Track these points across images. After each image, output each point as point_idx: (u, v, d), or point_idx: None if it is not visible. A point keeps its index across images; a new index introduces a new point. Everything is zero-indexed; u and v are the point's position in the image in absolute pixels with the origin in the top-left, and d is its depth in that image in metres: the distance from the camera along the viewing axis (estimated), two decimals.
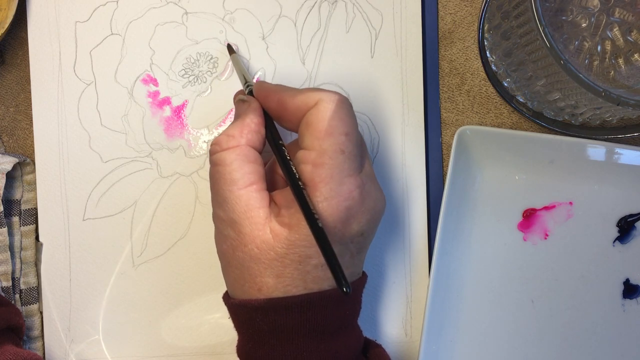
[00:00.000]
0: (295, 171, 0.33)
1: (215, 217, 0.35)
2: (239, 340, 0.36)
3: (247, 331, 0.35)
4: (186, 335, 0.46)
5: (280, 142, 0.35)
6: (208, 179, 0.46)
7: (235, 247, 0.34)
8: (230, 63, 0.46)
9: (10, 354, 0.39)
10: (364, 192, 0.34)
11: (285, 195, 0.34)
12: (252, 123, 0.35)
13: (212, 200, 0.36)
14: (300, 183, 0.33)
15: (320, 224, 0.31)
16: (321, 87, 0.46)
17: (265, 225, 0.33)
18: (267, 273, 0.33)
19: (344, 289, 0.28)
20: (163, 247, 0.46)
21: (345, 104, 0.35)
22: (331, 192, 0.32)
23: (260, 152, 0.36)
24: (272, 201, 0.35)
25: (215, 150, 0.35)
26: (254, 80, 0.46)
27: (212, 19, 0.46)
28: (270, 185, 0.36)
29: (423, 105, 0.46)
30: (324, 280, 0.34)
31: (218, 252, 0.36)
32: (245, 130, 0.35)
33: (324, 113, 0.34)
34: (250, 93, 0.38)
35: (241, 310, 0.35)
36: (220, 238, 0.35)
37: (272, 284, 0.33)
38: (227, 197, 0.34)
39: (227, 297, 0.37)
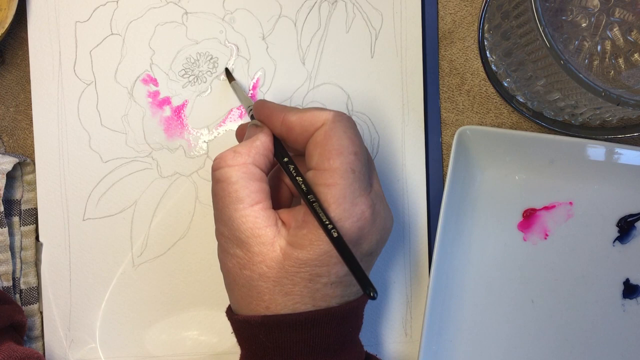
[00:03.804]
0: (309, 189, 0.33)
1: (219, 235, 0.35)
2: (242, 356, 0.36)
3: (250, 347, 0.35)
4: (186, 335, 0.46)
5: (291, 161, 0.35)
6: (208, 179, 0.46)
7: (242, 266, 0.34)
8: (234, 86, 0.46)
9: (8, 351, 0.39)
10: (374, 212, 0.34)
11: (294, 214, 0.34)
12: (262, 145, 0.35)
13: (216, 218, 0.35)
14: (313, 197, 0.33)
15: (337, 234, 0.31)
16: (321, 87, 0.46)
17: (274, 244, 0.33)
18: (276, 291, 0.33)
19: (371, 294, 0.29)
20: (163, 247, 0.46)
21: (352, 123, 0.35)
22: (344, 213, 0.32)
23: (266, 174, 0.35)
24: (278, 219, 0.34)
25: (219, 165, 0.34)
26: (254, 81, 0.46)
27: (212, 19, 0.46)
28: (274, 203, 0.36)
29: (423, 105, 0.46)
30: (332, 298, 0.34)
31: (222, 269, 0.36)
32: (253, 150, 0.35)
33: (333, 132, 0.33)
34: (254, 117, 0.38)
35: (245, 326, 0.34)
36: (226, 256, 0.35)
37: (280, 301, 0.33)
38: (232, 216, 0.33)
39: (230, 313, 0.36)
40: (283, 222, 0.34)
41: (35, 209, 0.46)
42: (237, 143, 0.41)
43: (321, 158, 0.33)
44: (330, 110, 0.35)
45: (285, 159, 0.35)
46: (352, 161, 0.33)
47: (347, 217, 0.32)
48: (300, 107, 0.46)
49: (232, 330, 0.36)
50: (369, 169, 0.36)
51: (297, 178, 0.34)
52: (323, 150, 0.33)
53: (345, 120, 0.34)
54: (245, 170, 0.34)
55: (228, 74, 0.45)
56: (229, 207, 0.33)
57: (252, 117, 0.39)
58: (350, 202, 0.33)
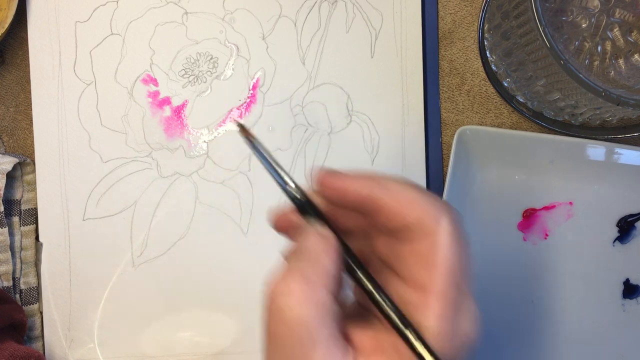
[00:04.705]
0: (407, 321, 0.26)
1: None
2: None
3: None
4: (186, 335, 0.46)
5: (381, 289, 0.27)
6: (208, 179, 0.46)
7: None
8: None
9: (9, 350, 0.39)
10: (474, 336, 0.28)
11: (376, 339, 0.27)
12: (333, 266, 0.27)
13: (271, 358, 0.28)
14: (413, 332, 0.26)
15: None
16: (321, 87, 0.46)
17: None
18: None
19: None
20: (163, 247, 0.46)
21: (463, 228, 0.28)
22: (446, 344, 0.26)
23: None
24: (349, 340, 0.27)
25: (288, 302, 0.25)
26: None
27: (212, 19, 0.46)
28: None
29: (423, 105, 0.46)
30: None
31: None
32: (325, 275, 0.26)
33: (453, 250, 0.27)
34: (294, 199, 0.29)
35: None
36: None
37: None
38: None
39: None
40: (357, 348, 0.27)
41: (35, 209, 0.46)
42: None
43: (424, 273, 0.26)
44: (443, 211, 0.27)
45: (371, 286, 0.27)
46: (469, 290, 0.27)
47: (448, 346, 0.26)
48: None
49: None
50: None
51: (390, 314, 0.26)
52: (439, 273, 0.26)
53: (461, 229, 0.27)
54: (322, 309, 0.26)
55: (242, 128, 0.30)
56: (299, 354, 0.26)
57: (286, 192, 0.29)
58: (452, 331, 0.26)
